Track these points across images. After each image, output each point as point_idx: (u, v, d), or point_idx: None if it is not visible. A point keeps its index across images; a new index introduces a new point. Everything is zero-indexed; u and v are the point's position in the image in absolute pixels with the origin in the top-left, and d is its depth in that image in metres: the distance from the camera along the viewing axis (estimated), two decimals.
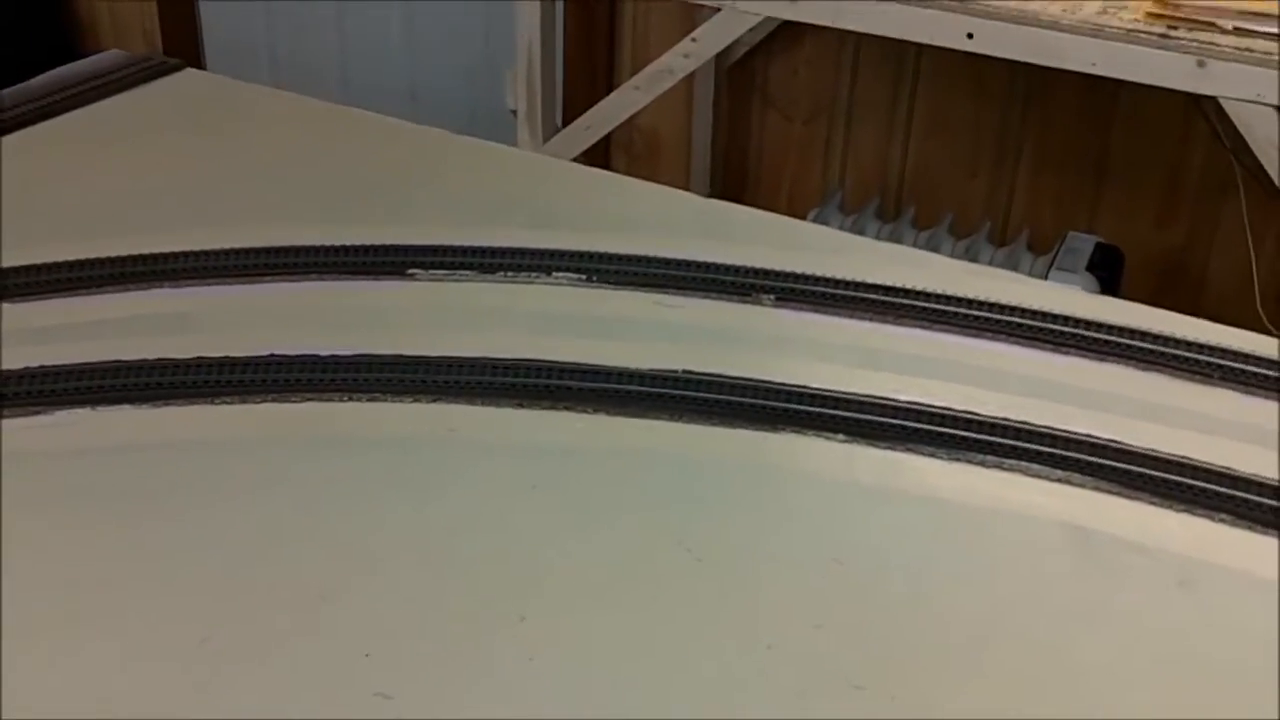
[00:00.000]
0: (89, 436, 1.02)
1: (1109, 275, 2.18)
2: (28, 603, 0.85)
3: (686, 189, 2.79)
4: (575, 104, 2.64)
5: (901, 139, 2.67)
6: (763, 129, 2.79)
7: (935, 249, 2.25)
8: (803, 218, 2.41)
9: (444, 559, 0.91)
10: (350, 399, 1.06)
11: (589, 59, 2.80)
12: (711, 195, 2.77)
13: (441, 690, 0.80)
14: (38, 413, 1.03)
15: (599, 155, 2.83)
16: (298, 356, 1.09)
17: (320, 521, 0.94)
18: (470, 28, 2.92)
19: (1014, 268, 2.19)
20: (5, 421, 1.02)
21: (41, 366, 1.07)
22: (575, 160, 2.26)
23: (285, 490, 0.97)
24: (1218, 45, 1.81)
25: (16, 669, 0.79)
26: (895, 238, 2.27)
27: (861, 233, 2.28)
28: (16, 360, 1.07)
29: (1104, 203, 2.57)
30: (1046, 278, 2.13)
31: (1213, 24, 1.85)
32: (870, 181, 2.70)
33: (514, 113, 2.26)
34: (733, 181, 2.83)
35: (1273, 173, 1.85)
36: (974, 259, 2.22)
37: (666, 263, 1.23)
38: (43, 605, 0.85)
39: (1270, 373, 1.12)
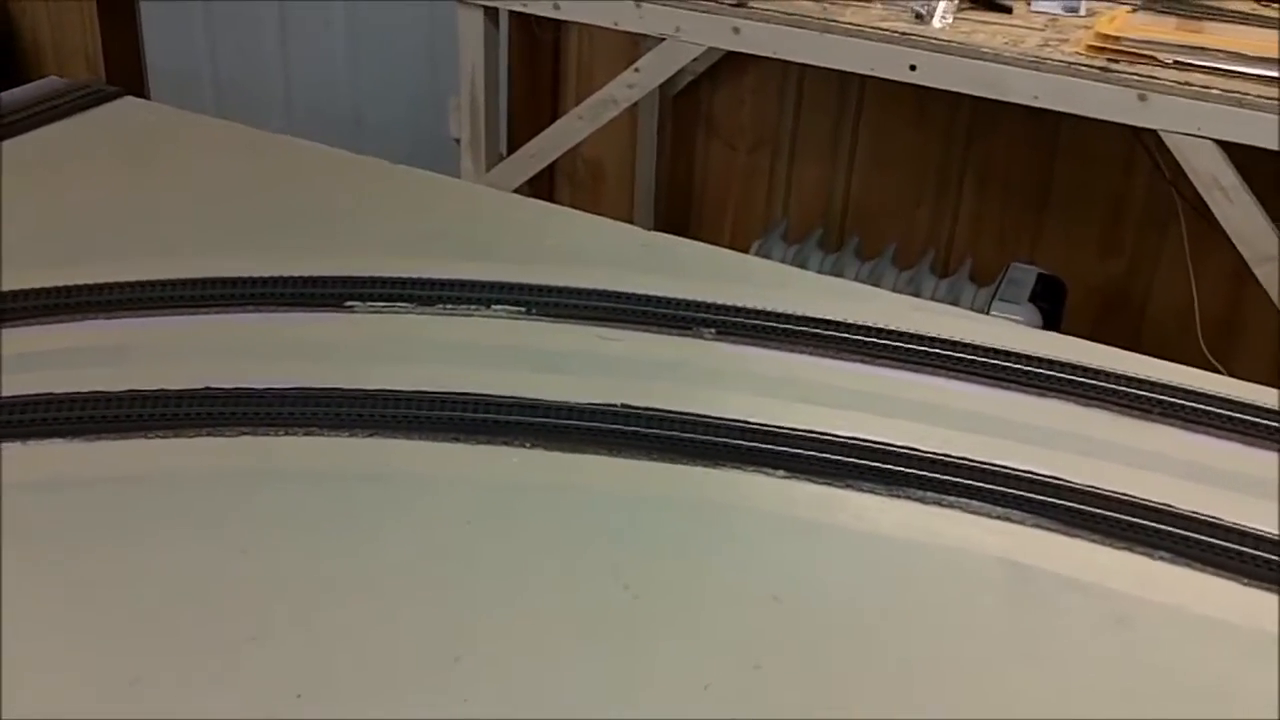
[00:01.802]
0: (19, 471, 0.99)
1: (1051, 306, 2.19)
2: None
3: (631, 217, 2.80)
4: (520, 133, 2.64)
5: (845, 169, 2.68)
6: (707, 158, 2.79)
7: (878, 279, 2.25)
8: (747, 247, 2.42)
9: (378, 597, 0.90)
10: (286, 433, 1.04)
11: (534, 88, 2.80)
12: (655, 224, 2.78)
13: None
14: None
15: (543, 184, 2.82)
16: (233, 390, 1.07)
17: (253, 558, 0.92)
18: (415, 56, 2.91)
19: (956, 298, 2.20)
20: None
21: None
22: (520, 189, 2.25)
23: (220, 526, 0.95)
24: (1158, 79, 1.83)
25: None
26: (838, 268, 2.28)
27: (805, 263, 2.28)
28: None
29: (1046, 233, 2.59)
30: (989, 309, 2.14)
31: (1153, 58, 1.87)
32: (814, 211, 2.71)
33: (457, 141, 2.25)
34: (677, 210, 2.84)
35: (1212, 205, 1.87)
36: (917, 289, 2.23)
37: (606, 295, 1.22)
38: None
39: (1210, 408, 1.13)
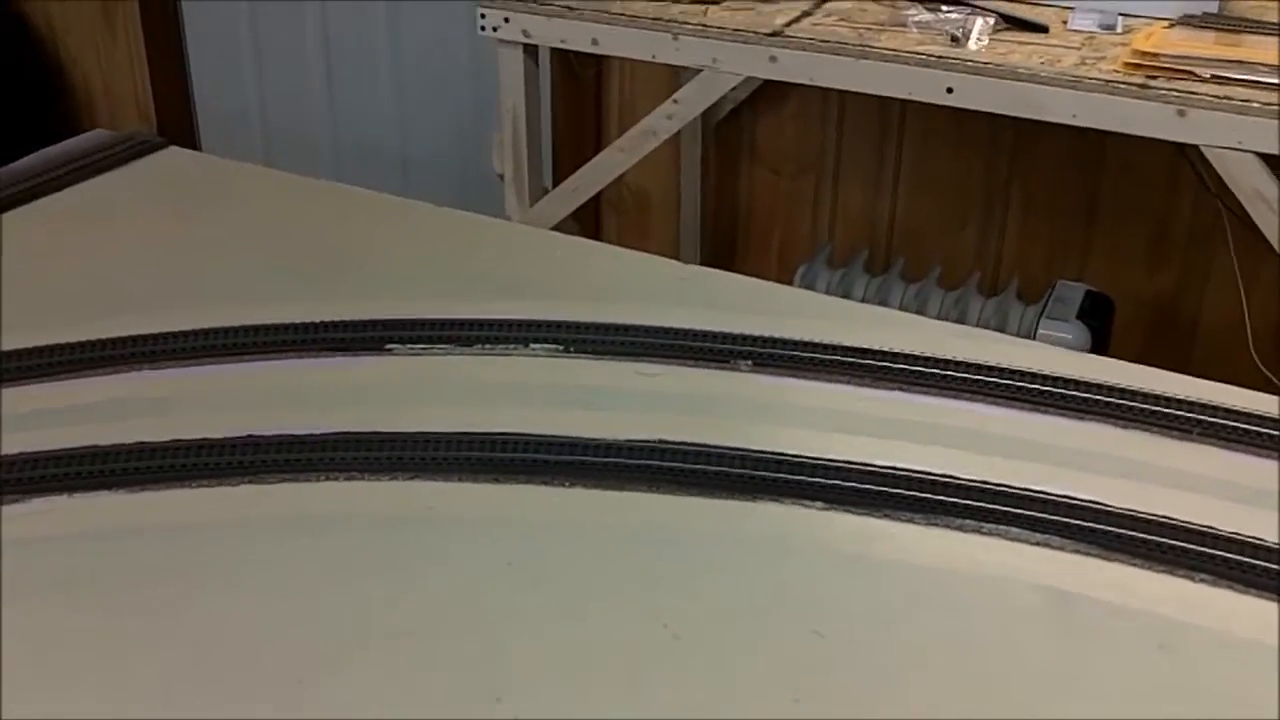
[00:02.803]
0: (66, 523, 1.01)
1: (1099, 323, 2.17)
2: (3, 692, 0.84)
3: (676, 246, 2.81)
4: (565, 167, 2.65)
5: (889, 192, 2.68)
6: (751, 185, 2.80)
7: (924, 302, 2.25)
8: (793, 272, 2.42)
9: (421, 639, 0.91)
10: (327, 478, 1.06)
11: (577, 122, 2.82)
12: (701, 251, 2.79)
13: None
14: (15, 500, 1.03)
15: (589, 216, 2.84)
16: (275, 436, 1.09)
17: (298, 604, 0.94)
18: (459, 95, 2.94)
19: (1004, 318, 2.19)
20: None
21: (20, 454, 1.07)
22: (565, 221, 2.27)
23: (263, 574, 0.97)
24: (1197, 94, 1.82)
25: None
26: (884, 291, 2.28)
27: (850, 287, 2.28)
28: None
29: (1094, 250, 2.58)
30: (1037, 327, 2.13)
31: (1191, 73, 1.86)
32: (859, 235, 2.70)
33: (501, 177, 2.27)
34: (722, 237, 2.84)
35: (1256, 218, 1.85)
36: (964, 310, 2.22)
37: (644, 330, 1.23)
38: (20, 694, 0.85)
39: (1251, 427, 1.12)
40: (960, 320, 2.19)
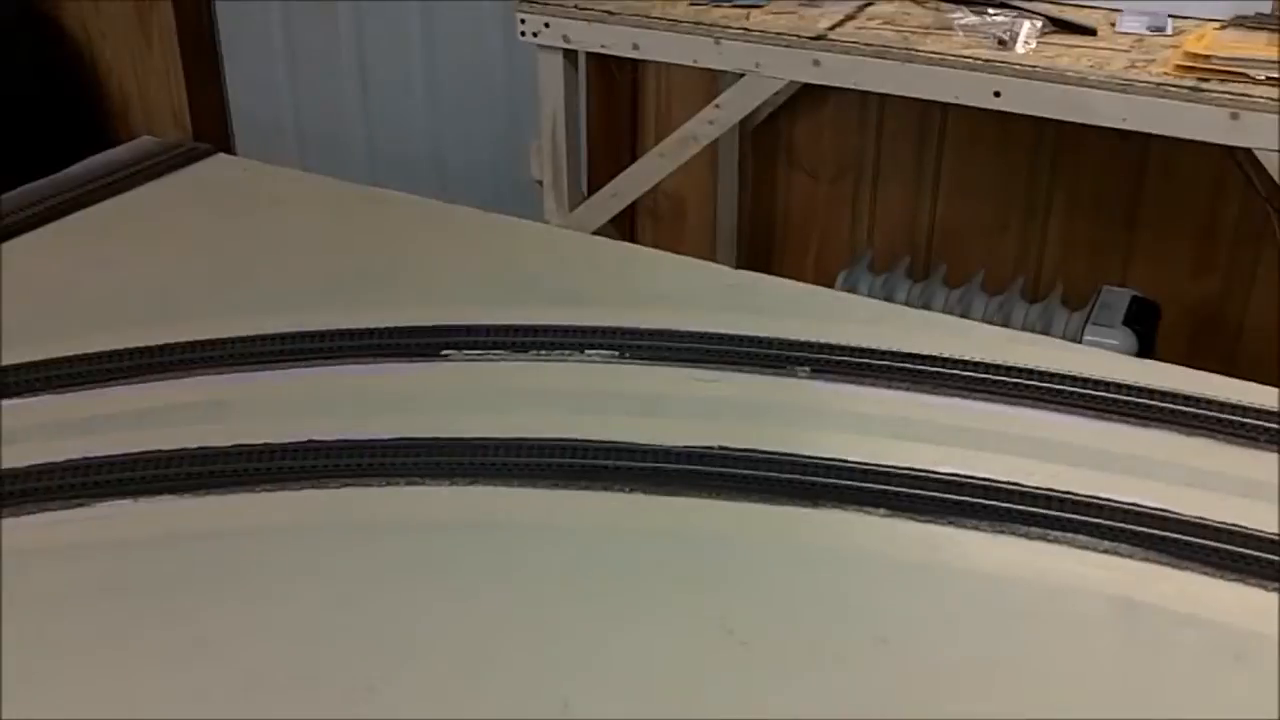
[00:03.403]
0: (131, 528, 1.01)
1: (1145, 329, 2.16)
2: (76, 694, 0.84)
3: (713, 252, 2.80)
4: (599, 173, 2.65)
5: (929, 196, 2.67)
6: (789, 190, 2.79)
7: (968, 307, 2.23)
8: (831, 278, 2.41)
9: (485, 644, 0.90)
10: (389, 483, 1.06)
11: (612, 128, 2.82)
12: (739, 256, 2.78)
13: None
14: (80, 505, 1.03)
15: (624, 221, 2.83)
16: (335, 441, 1.09)
17: (362, 609, 0.93)
18: (493, 100, 2.94)
19: (1048, 324, 2.17)
20: (48, 514, 1.02)
21: (84, 458, 1.07)
22: (604, 227, 2.26)
23: (326, 579, 0.96)
24: (1250, 96, 1.80)
25: None
26: (927, 297, 2.26)
27: (892, 293, 2.27)
28: (58, 453, 1.07)
29: (1138, 254, 2.56)
30: (1082, 333, 2.11)
31: (1244, 75, 1.84)
32: (899, 240, 2.69)
33: (539, 183, 2.27)
34: (759, 243, 2.83)
35: None
36: (1007, 316, 2.21)
37: (699, 336, 1.22)
38: (89, 697, 0.85)
39: None
40: (1005, 326, 2.17)
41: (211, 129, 3.25)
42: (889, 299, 2.25)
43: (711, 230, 2.85)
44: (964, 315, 2.21)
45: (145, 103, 3.37)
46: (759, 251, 2.84)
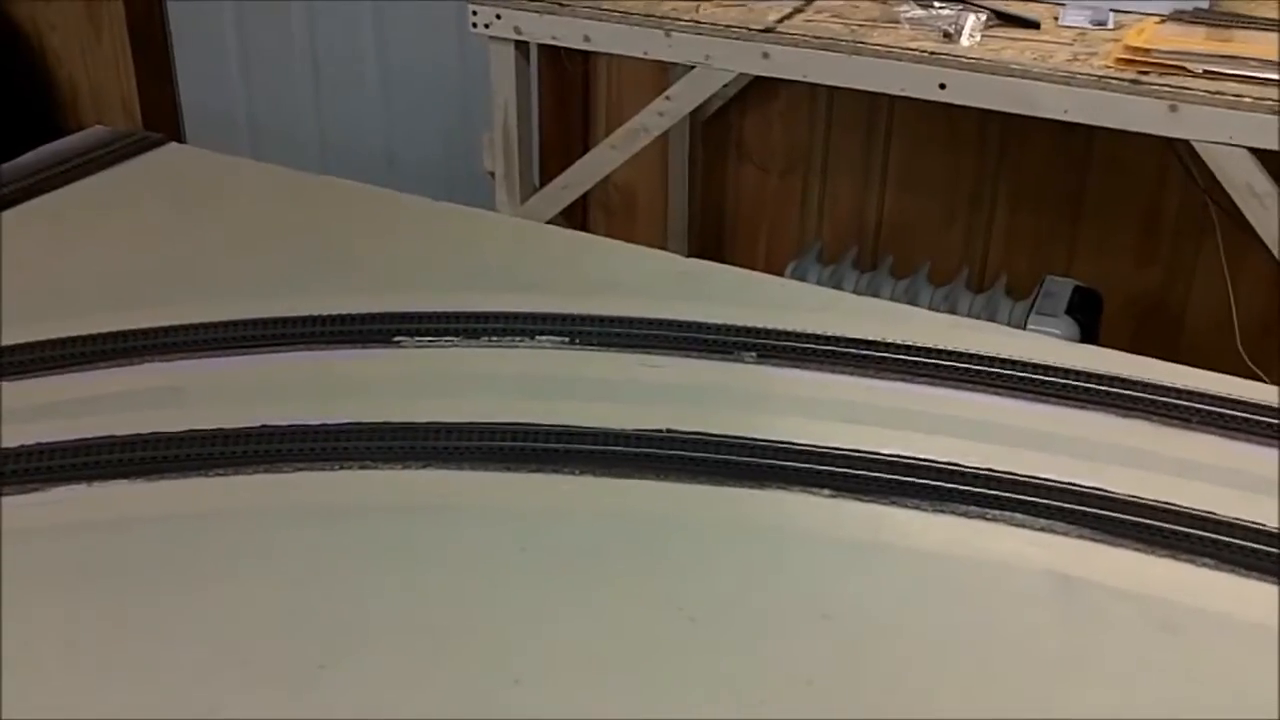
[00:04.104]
0: (85, 512, 1.02)
1: (1088, 318, 2.20)
2: (30, 678, 0.85)
3: (664, 243, 2.82)
4: (551, 165, 2.67)
5: (878, 189, 2.70)
6: (739, 182, 2.82)
7: (914, 297, 2.27)
8: (781, 270, 2.44)
9: (437, 625, 0.92)
10: (341, 467, 1.07)
11: (564, 119, 2.83)
12: (690, 249, 2.80)
13: None
14: (35, 490, 1.04)
15: (577, 214, 2.85)
16: (288, 427, 1.10)
17: (314, 591, 0.95)
18: (446, 93, 2.95)
19: (993, 313, 2.21)
20: (3, 499, 1.02)
21: (37, 444, 1.08)
22: (556, 219, 2.28)
23: (278, 561, 0.98)
24: (1189, 89, 1.84)
25: None
26: (874, 288, 2.29)
27: (840, 283, 2.30)
28: (12, 439, 1.08)
29: (1081, 245, 2.60)
30: (1025, 323, 2.15)
31: (1183, 68, 1.88)
32: (848, 232, 2.72)
33: (491, 175, 2.28)
34: (710, 235, 2.86)
35: (1247, 212, 1.87)
36: (953, 306, 2.24)
37: (648, 323, 1.24)
38: (43, 680, 0.86)
39: (1247, 415, 1.14)
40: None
41: (162, 122, 3.24)
42: (837, 289, 2.28)
43: (663, 223, 2.87)
44: (910, 305, 2.24)
45: (95, 95, 3.35)
46: (710, 243, 2.86)
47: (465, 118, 2.91)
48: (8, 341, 1.19)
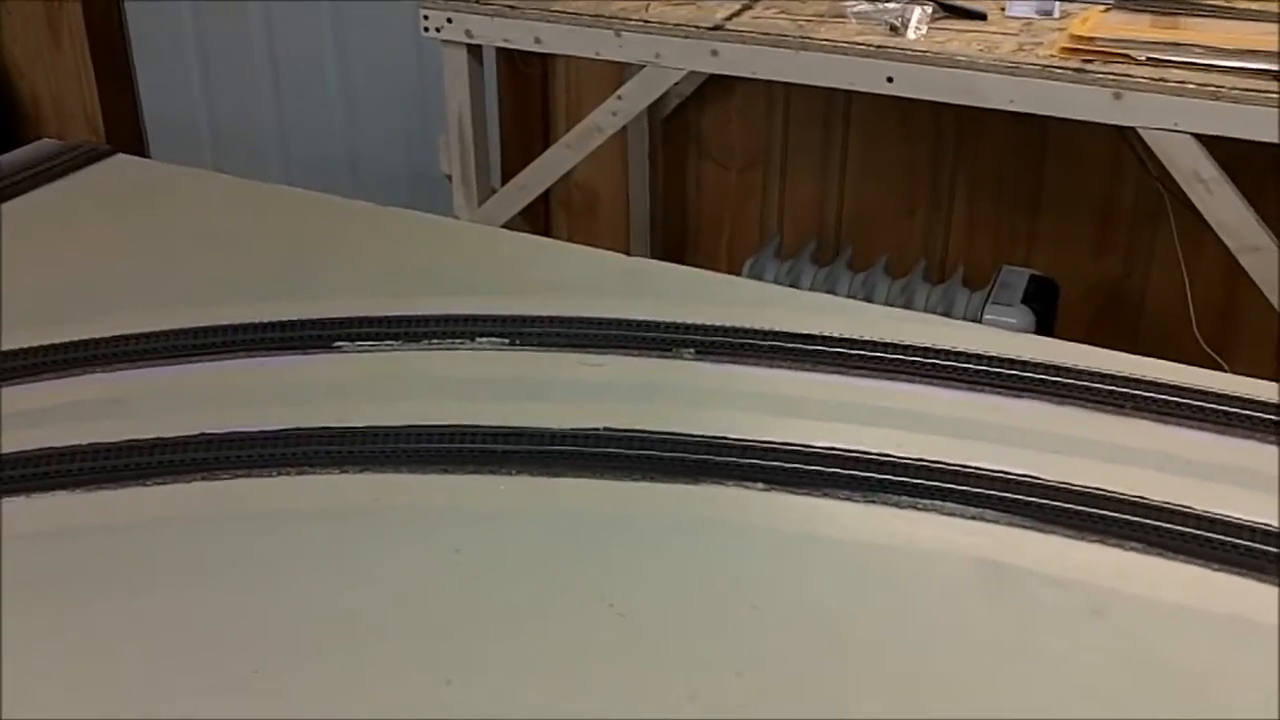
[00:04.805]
0: (23, 523, 1.02)
1: (1044, 307, 2.21)
2: None
3: (627, 242, 2.83)
4: (513, 166, 2.67)
5: (837, 182, 2.71)
6: (700, 179, 2.82)
7: (871, 290, 2.28)
8: (743, 265, 2.45)
9: (371, 625, 0.93)
10: (279, 473, 1.07)
11: (524, 121, 2.84)
12: (652, 247, 2.81)
13: None
14: None
15: (539, 215, 2.86)
16: (226, 434, 1.10)
17: (252, 596, 0.95)
18: (406, 97, 2.96)
19: (950, 304, 2.22)
20: None
21: None
22: (514, 221, 2.29)
23: (217, 567, 0.98)
24: (1132, 77, 1.85)
25: None
26: (831, 281, 2.31)
27: (798, 278, 2.31)
28: None
29: (1040, 235, 2.62)
30: (982, 313, 2.16)
31: (1126, 56, 1.89)
32: (808, 226, 2.73)
33: (449, 178, 2.29)
34: (672, 233, 2.87)
35: (1194, 199, 1.89)
36: (910, 298, 2.25)
37: (588, 322, 1.25)
38: None
39: (1180, 399, 1.15)
40: (907, 308, 2.22)
41: (124, 134, 3.23)
42: (795, 284, 2.30)
43: (625, 222, 2.88)
44: (868, 298, 2.26)
45: (58, 107, 3.35)
46: (673, 241, 2.87)
47: (426, 119, 2.92)
48: None
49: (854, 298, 2.25)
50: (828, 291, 2.26)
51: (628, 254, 2.73)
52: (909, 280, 2.31)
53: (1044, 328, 2.21)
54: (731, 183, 2.80)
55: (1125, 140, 2.36)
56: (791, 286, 2.27)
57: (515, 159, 2.75)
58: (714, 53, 2.02)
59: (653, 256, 2.77)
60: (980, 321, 2.14)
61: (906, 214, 2.68)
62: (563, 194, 2.91)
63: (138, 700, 0.86)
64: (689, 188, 2.84)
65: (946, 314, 2.19)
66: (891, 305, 2.23)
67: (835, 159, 2.70)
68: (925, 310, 2.21)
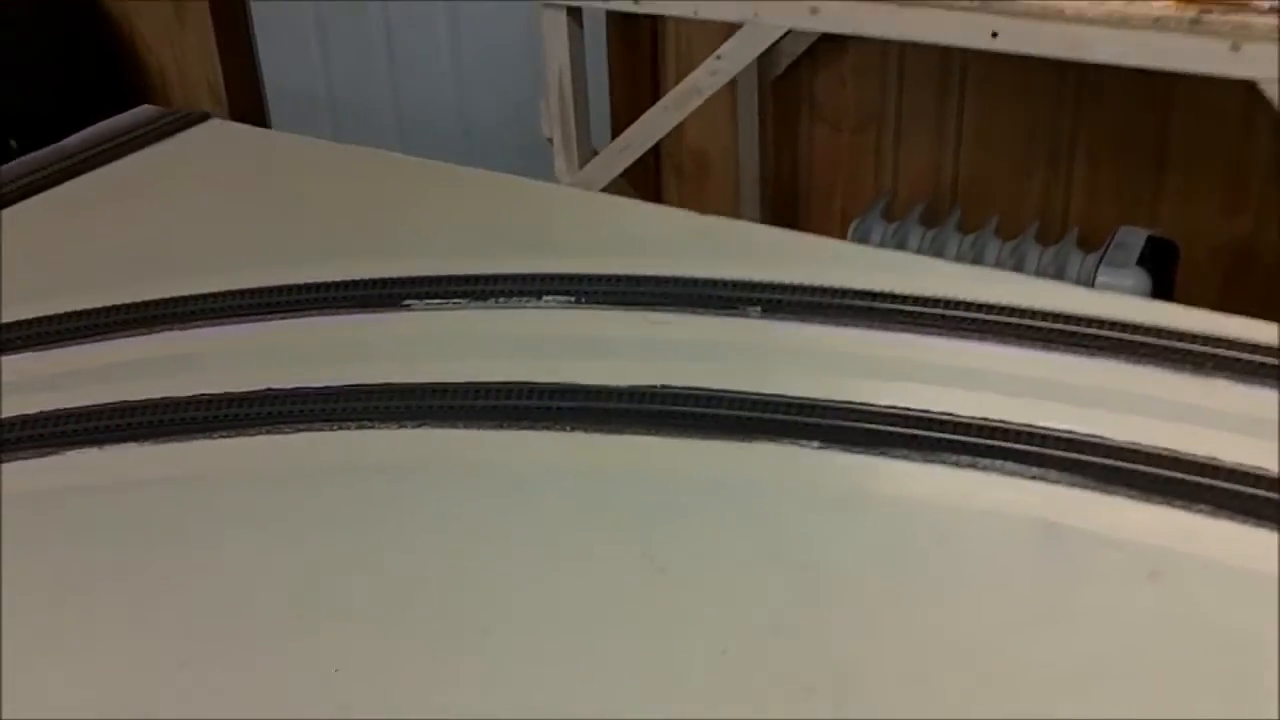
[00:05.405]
0: (96, 474, 1.06)
1: (1162, 269, 2.14)
2: (42, 638, 0.89)
3: (737, 207, 2.81)
4: (624, 128, 2.66)
5: (953, 144, 2.65)
6: (811, 141, 2.78)
7: (981, 252, 2.23)
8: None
9: (415, 576, 0.94)
10: (340, 428, 1.09)
11: (635, 82, 2.83)
12: (762, 210, 2.78)
13: (408, 703, 0.83)
14: (51, 453, 1.08)
15: (650, 179, 2.85)
16: (291, 390, 1.12)
17: (306, 547, 0.97)
18: (516, 62, 2.97)
19: (1062, 267, 2.16)
20: (19, 463, 1.06)
21: (56, 410, 1.12)
22: (619, 183, 2.28)
23: (278, 518, 1.00)
24: (1252, 26, 1.78)
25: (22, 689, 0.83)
26: (939, 243, 2.26)
27: (904, 240, 2.26)
28: (30, 406, 1.12)
29: (1165, 195, 2.53)
30: (1095, 275, 2.10)
31: (1246, 4, 1.81)
32: (923, 189, 2.68)
33: (550, 141, 2.29)
34: (784, 196, 2.83)
35: None
36: (1020, 260, 2.20)
37: (654, 280, 1.24)
38: (55, 639, 0.90)
39: (1266, 359, 1.10)
40: (1017, 270, 2.16)
41: (247, 102, 3.31)
42: (901, 246, 2.25)
43: (735, 185, 2.85)
44: (976, 260, 2.20)
45: (183, 79, 3.43)
46: (784, 205, 2.84)
47: (537, 84, 2.92)
48: (31, 315, 1.23)
49: (962, 260, 2.20)
50: (935, 254, 2.21)
51: (738, 218, 2.71)
52: (1020, 242, 2.25)
53: (1162, 290, 2.13)
54: (844, 145, 2.76)
55: (1260, 92, 2.27)
56: (898, 248, 2.22)
57: (626, 123, 2.74)
58: (814, 10, 1.98)
59: (762, 220, 2.74)
60: (1094, 285, 2.08)
61: (1024, 176, 2.61)
62: (674, 157, 2.89)
63: (196, 646, 0.88)
64: (801, 150, 2.80)
65: (1058, 276, 2.13)
66: (1002, 268, 2.17)
67: (951, 121, 2.64)
68: (1037, 273, 2.16)
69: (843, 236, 2.41)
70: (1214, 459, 1.00)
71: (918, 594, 0.91)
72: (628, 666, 0.85)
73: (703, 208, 2.63)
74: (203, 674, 0.86)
